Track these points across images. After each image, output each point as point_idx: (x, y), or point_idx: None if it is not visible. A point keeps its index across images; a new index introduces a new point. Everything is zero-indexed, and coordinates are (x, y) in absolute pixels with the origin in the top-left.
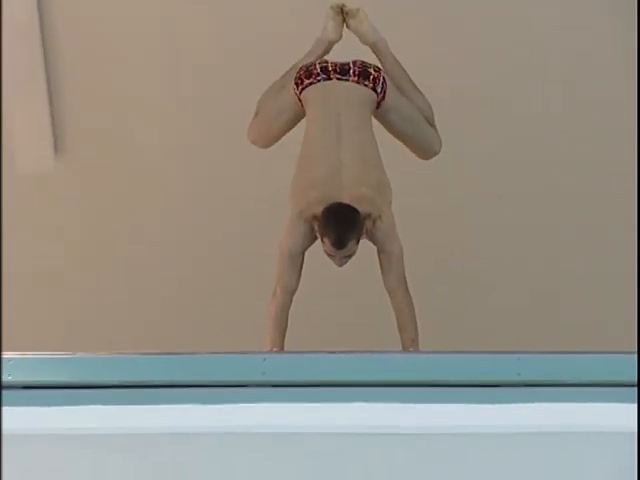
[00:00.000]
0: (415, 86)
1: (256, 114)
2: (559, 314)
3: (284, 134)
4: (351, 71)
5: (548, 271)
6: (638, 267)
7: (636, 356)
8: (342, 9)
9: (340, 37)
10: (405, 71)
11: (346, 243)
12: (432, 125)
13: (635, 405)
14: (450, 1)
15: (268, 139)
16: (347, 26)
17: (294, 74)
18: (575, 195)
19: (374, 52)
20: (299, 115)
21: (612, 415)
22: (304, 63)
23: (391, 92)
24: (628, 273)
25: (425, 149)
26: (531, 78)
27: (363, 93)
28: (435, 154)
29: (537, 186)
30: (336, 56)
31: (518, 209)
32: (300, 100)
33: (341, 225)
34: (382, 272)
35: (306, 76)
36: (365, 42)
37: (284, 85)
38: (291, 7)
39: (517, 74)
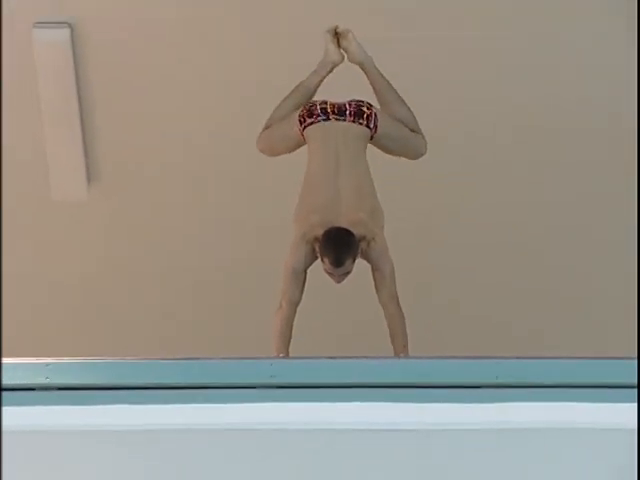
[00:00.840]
0: (399, 97)
1: (266, 127)
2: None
3: (286, 153)
4: (347, 112)
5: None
6: (638, 277)
7: (636, 361)
8: (335, 30)
9: (342, 58)
10: (390, 84)
11: (343, 262)
12: (416, 131)
13: (635, 404)
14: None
15: (272, 153)
16: (339, 45)
17: (300, 95)
18: (571, 197)
19: (362, 69)
20: (300, 144)
21: (615, 413)
22: (309, 82)
23: (382, 123)
24: (628, 284)
25: (414, 155)
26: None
27: (358, 131)
28: (422, 155)
29: (527, 196)
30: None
31: (508, 222)
32: (303, 135)
33: (338, 247)
34: (376, 288)
35: (308, 115)
36: (353, 60)
37: (289, 112)
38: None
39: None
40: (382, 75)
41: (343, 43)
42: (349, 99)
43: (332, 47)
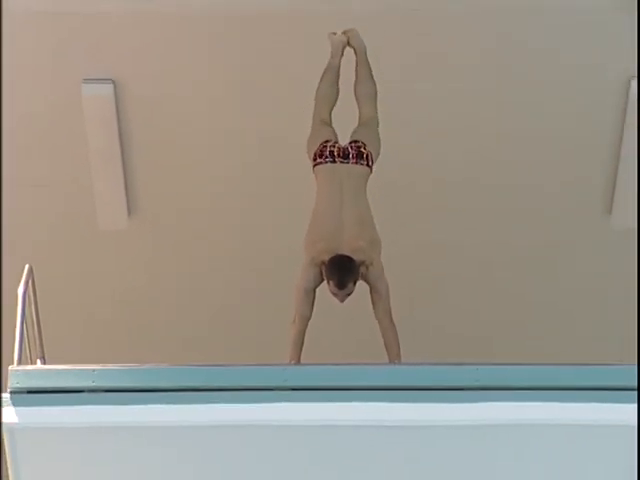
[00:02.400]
0: (372, 76)
1: (313, 113)
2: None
3: None
4: (350, 155)
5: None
6: (638, 287)
7: (636, 367)
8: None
9: (346, 39)
10: (369, 66)
11: (346, 284)
12: (375, 109)
13: (636, 405)
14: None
15: None
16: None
17: (330, 73)
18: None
19: (356, 52)
20: None
21: (618, 413)
22: (332, 63)
23: (373, 153)
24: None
25: None
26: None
27: (360, 171)
28: None
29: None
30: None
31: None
32: (313, 169)
33: (342, 271)
34: (373, 305)
35: (319, 155)
36: (352, 42)
37: (327, 90)
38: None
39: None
40: (368, 60)
41: (347, 34)
42: (349, 140)
43: (335, 36)
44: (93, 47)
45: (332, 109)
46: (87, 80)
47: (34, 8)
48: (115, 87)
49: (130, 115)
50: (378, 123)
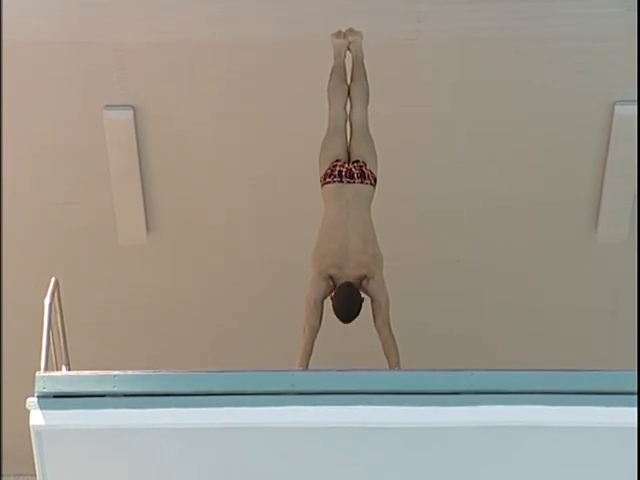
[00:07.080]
0: (367, 78)
1: (329, 105)
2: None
3: None
4: (355, 175)
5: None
6: (638, 296)
7: (636, 372)
8: (340, 31)
9: (347, 43)
10: (365, 69)
11: (351, 321)
12: (367, 107)
13: (635, 408)
14: None
15: None
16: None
17: (338, 70)
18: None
19: (354, 57)
20: None
21: (618, 416)
22: (337, 63)
23: (374, 169)
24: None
25: None
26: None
27: (364, 189)
28: None
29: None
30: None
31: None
32: (322, 188)
33: (347, 310)
34: (373, 316)
35: (328, 175)
36: (353, 47)
37: (336, 89)
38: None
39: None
40: (364, 65)
41: (349, 37)
42: (352, 160)
43: (336, 40)
44: (114, 75)
45: (345, 102)
46: (108, 106)
47: (60, 38)
48: (135, 112)
49: (148, 138)
50: (367, 123)
